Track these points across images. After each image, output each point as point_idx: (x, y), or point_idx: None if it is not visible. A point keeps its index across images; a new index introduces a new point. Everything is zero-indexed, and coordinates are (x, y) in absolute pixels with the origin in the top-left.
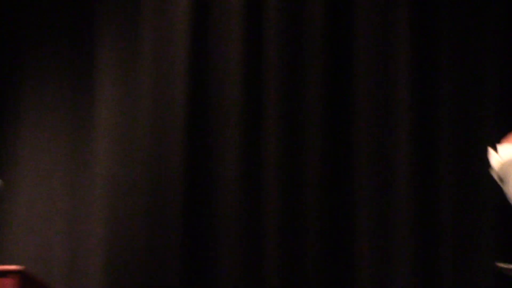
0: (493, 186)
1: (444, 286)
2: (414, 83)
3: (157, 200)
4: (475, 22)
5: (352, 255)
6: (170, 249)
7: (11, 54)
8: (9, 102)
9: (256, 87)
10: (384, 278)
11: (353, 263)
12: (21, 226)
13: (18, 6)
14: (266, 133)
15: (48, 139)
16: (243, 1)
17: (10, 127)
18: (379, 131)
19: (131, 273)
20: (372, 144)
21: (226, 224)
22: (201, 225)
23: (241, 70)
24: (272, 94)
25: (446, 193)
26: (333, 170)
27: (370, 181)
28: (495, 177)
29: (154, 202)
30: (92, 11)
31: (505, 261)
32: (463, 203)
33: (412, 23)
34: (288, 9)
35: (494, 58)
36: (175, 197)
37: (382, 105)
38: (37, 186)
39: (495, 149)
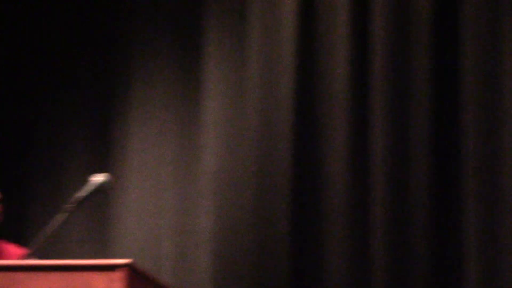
0: None
1: None
2: None
3: (264, 194)
4: None
5: (460, 254)
6: (278, 243)
7: (121, 51)
8: (118, 98)
9: (363, 81)
10: (492, 278)
11: (460, 263)
12: (130, 220)
13: (127, 5)
14: (374, 126)
15: (157, 134)
16: None
17: (120, 122)
18: (487, 127)
19: (239, 267)
20: (480, 137)
21: (334, 219)
22: (309, 218)
23: (348, 65)
24: (379, 88)
25: None
26: (441, 165)
27: (477, 177)
28: None
29: (261, 196)
30: (200, 6)
31: None
32: None
33: None
34: (394, 4)
35: None
36: (283, 191)
37: (490, 101)
38: (146, 180)
39: None
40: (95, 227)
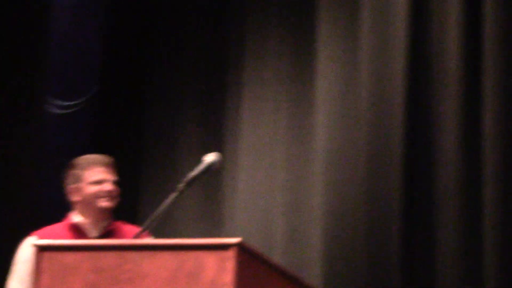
0: None
1: None
2: None
3: (376, 173)
4: None
5: None
6: (389, 222)
7: (233, 31)
8: (231, 78)
9: (475, 62)
10: None
11: None
12: (242, 199)
13: None
14: (486, 106)
15: (269, 113)
16: None
17: (232, 101)
18: None
19: (350, 246)
20: None
21: (446, 198)
22: (420, 197)
23: (461, 44)
24: (491, 68)
25: None
26: None
27: None
28: None
29: (373, 175)
30: None
31: None
32: None
33: None
34: None
35: None
36: (394, 169)
37: None
38: (258, 159)
39: None
40: (208, 206)
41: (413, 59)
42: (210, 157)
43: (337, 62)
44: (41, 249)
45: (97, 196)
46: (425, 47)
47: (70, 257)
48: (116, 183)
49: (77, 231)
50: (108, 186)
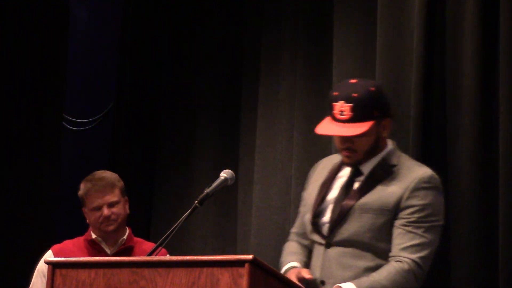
0: None
1: None
2: None
3: None
4: None
5: None
6: None
7: (250, 48)
8: (245, 94)
9: (490, 74)
10: None
11: None
12: (256, 215)
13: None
14: (500, 120)
15: (284, 129)
16: None
17: (247, 118)
18: None
19: None
20: None
21: (462, 216)
22: None
23: (475, 59)
24: (506, 82)
25: None
26: None
27: None
28: None
29: None
30: None
31: None
32: None
33: None
34: None
35: None
36: None
37: None
38: (273, 175)
39: None
40: (222, 223)
41: (427, 73)
42: (226, 173)
43: (352, 76)
44: (55, 266)
45: (99, 222)
46: (439, 61)
47: (84, 274)
48: (114, 203)
49: (94, 246)
50: (105, 211)
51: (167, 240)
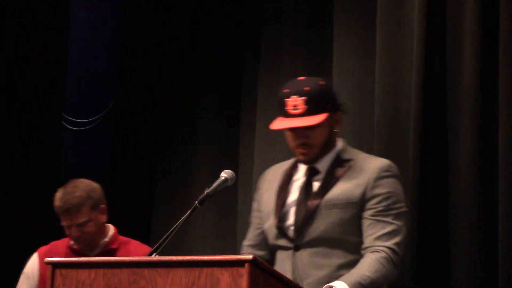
0: None
1: None
2: None
3: None
4: None
5: None
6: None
7: (250, 49)
8: (245, 94)
9: (490, 75)
10: None
11: None
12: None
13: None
14: (501, 121)
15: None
16: None
17: (247, 119)
18: None
19: None
20: None
21: (461, 216)
22: (435, 214)
23: (476, 59)
24: (507, 82)
25: None
26: None
27: None
28: None
29: None
30: None
31: None
32: None
33: None
34: None
35: None
36: (408, 185)
37: None
38: None
39: None
40: (222, 223)
41: (427, 73)
42: (226, 173)
43: (352, 77)
44: (55, 266)
45: (71, 238)
46: (439, 61)
47: (84, 274)
48: (83, 224)
49: (76, 250)
50: (74, 233)
51: (167, 240)
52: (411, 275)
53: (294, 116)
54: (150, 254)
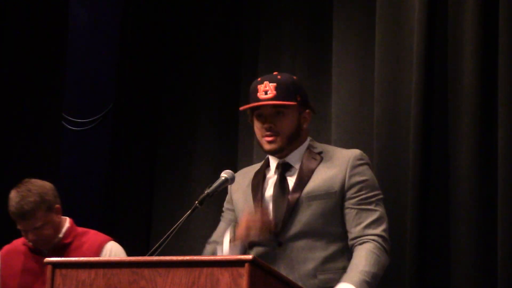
0: None
1: None
2: None
3: (390, 190)
4: None
5: None
6: (403, 242)
7: (250, 48)
8: (245, 94)
9: (490, 77)
10: None
11: None
12: None
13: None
14: (501, 123)
15: None
16: None
17: (246, 118)
18: None
19: None
20: None
21: (461, 217)
22: (436, 215)
23: (475, 60)
24: (506, 84)
25: None
26: None
27: None
28: None
29: (387, 192)
30: None
31: None
32: None
33: None
34: None
35: None
36: (409, 186)
37: None
38: None
39: None
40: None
41: (427, 74)
42: (226, 173)
43: (351, 77)
44: (55, 266)
45: (28, 241)
46: (439, 61)
47: (84, 274)
48: (39, 227)
49: (31, 247)
50: (30, 237)
51: (167, 240)
52: (411, 275)
53: (263, 100)
54: (150, 255)
